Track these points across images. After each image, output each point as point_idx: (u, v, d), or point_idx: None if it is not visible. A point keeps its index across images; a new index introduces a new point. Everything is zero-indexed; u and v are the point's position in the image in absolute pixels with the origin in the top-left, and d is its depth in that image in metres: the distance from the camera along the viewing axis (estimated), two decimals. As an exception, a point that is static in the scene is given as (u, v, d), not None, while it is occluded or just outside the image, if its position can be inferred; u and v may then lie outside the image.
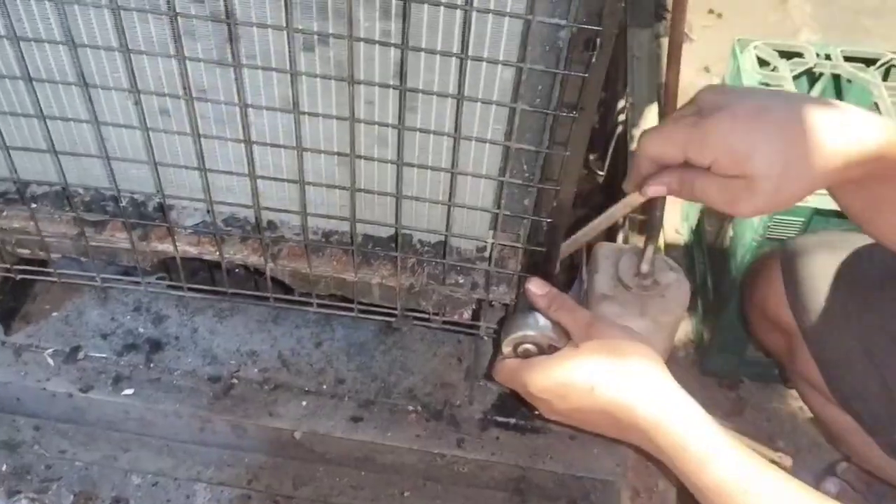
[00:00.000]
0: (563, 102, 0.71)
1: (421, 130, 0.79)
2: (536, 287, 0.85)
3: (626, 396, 0.76)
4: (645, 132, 0.73)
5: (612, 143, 1.55)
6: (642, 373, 0.78)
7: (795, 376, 1.10)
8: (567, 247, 0.90)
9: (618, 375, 0.77)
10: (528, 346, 0.83)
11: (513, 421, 1.09)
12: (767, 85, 1.37)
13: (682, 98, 0.97)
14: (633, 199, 0.81)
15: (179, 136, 0.85)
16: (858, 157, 0.70)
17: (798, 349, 1.02)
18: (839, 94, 1.44)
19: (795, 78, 1.39)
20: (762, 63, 1.41)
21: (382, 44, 0.73)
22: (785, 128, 0.68)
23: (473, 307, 0.95)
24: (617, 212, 0.87)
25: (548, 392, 0.81)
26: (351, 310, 0.97)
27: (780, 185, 0.68)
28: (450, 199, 0.82)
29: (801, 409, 1.48)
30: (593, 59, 0.66)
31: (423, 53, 0.74)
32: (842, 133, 0.69)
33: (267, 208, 0.89)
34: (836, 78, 1.43)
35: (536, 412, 0.86)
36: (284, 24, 0.70)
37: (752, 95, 0.72)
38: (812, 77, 1.43)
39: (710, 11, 2.26)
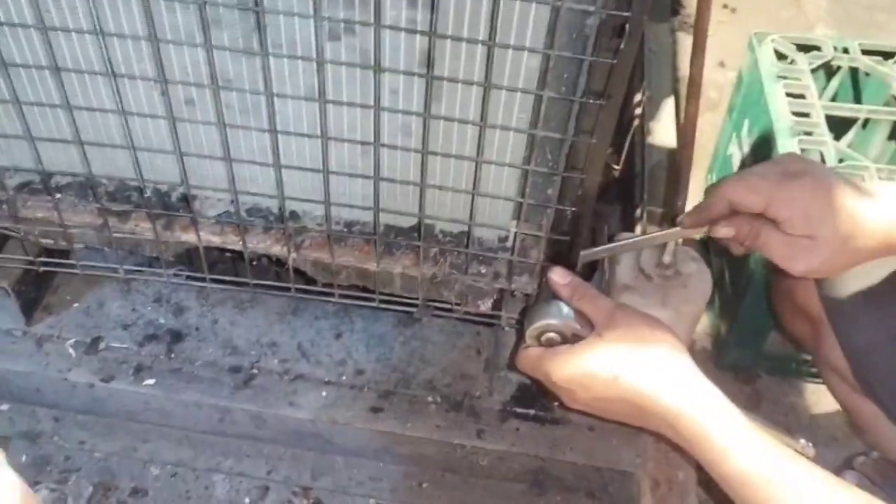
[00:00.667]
0: (590, 90, 0.71)
1: (446, 119, 0.79)
2: (559, 276, 0.85)
3: (649, 385, 0.77)
4: (729, 177, 0.82)
5: (629, 137, 1.55)
6: (665, 361, 0.78)
7: (821, 364, 1.10)
8: (586, 255, 0.89)
9: (641, 364, 0.77)
10: (552, 334, 0.83)
11: (532, 412, 1.09)
12: (785, 78, 1.36)
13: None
14: (682, 233, 0.85)
15: (204, 126, 0.85)
16: None
17: (825, 337, 1.03)
18: (857, 88, 1.44)
19: (813, 71, 1.39)
20: (780, 56, 1.41)
21: (409, 31, 0.73)
22: (854, 205, 0.77)
23: (495, 297, 0.95)
24: (657, 239, 0.88)
25: (571, 381, 0.81)
26: (372, 300, 0.97)
27: (838, 252, 0.78)
28: (474, 188, 0.82)
29: (818, 403, 1.48)
30: (622, 46, 0.66)
31: (448, 41, 0.74)
32: None
33: (290, 198, 0.90)
34: (854, 71, 1.43)
35: (557, 402, 0.87)
36: (312, 12, 0.70)
37: (835, 173, 0.81)
38: (829, 70, 1.43)
39: (725, 6, 2.26)
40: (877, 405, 1.00)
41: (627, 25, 0.66)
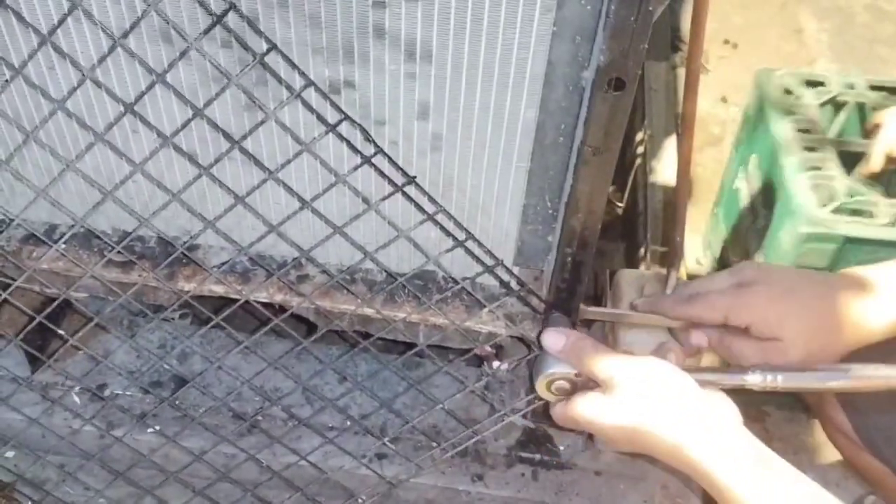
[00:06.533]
0: (586, 142, 0.72)
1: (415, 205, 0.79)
2: (552, 342, 0.81)
3: (672, 437, 0.75)
4: (689, 294, 0.83)
5: (632, 176, 1.56)
6: (684, 411, 0.76)
7: (826, 424, 1.08)
8: (586, 313, 0.89)
9: (661, 416, 0.76)
10: (562, 382, 0.82)
11: (538, 457, 1.08)
12: (792, 114, 1.36)
13: (700, 128, 0.97)
14: (668, 322, 0.85)
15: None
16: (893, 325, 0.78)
17: (826, 397, 1.01)
18: (863, 123, 1.44)
19: (820, 106, 1.39)
20: (786, 92, 1.41)
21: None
22: (812, 302, 0.79)
23: (499, 343, 0.95)
24: (649, 319, 0.87)
25: (598, 432, 0.80)
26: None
27: (811, 350, 0.78)
28: (466, 235, 0.82)
29: (829, 441, 1.46)
30: (617, 99, 0.67)
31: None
32: (871, 307, 0.78)
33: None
34: (861, 106, 1.43)
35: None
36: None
37: (786, 273, 0.83)
38: (836, 106, 1.43)
39: (726, 42, 2.27)
40: (884, 464, 0.98)
41: (622, 79, 0.66)
